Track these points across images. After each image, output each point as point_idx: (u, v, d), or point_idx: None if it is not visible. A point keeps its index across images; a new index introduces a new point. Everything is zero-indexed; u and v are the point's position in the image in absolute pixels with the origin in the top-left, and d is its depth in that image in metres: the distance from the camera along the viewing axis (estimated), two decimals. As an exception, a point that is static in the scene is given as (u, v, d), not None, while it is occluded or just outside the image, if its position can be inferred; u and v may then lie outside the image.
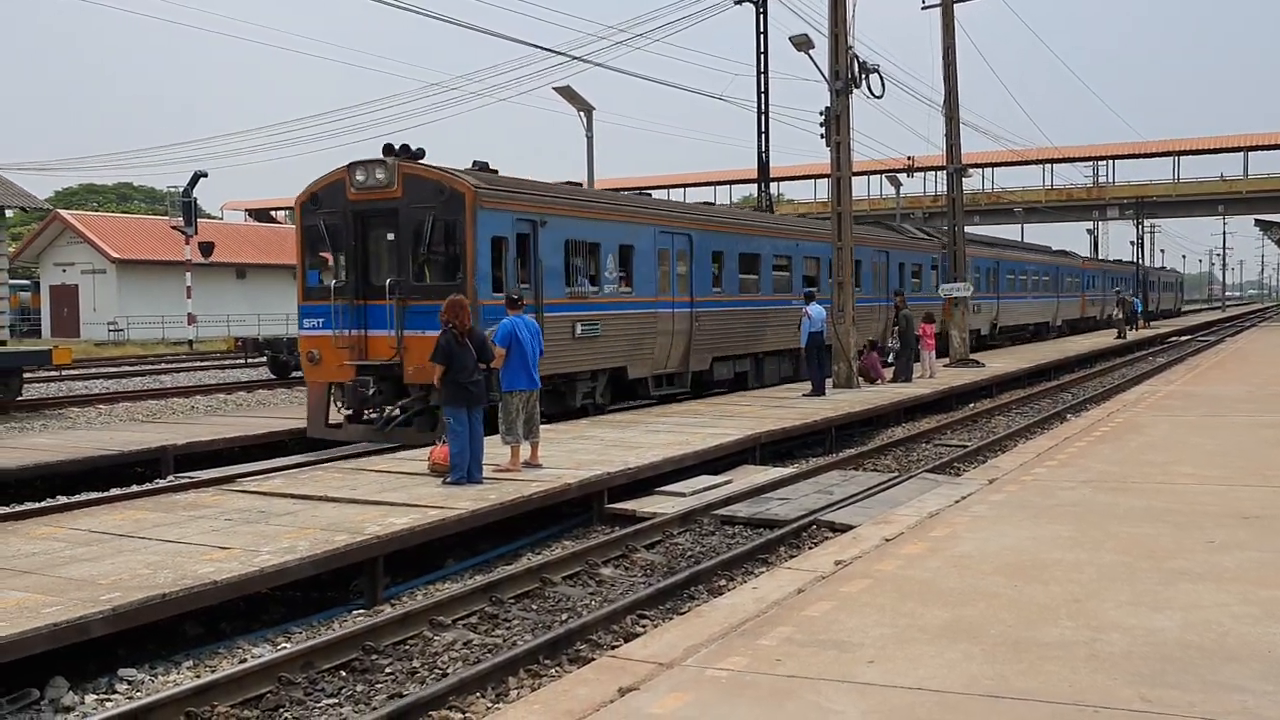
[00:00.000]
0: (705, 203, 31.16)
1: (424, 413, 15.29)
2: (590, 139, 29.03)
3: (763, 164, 34.72)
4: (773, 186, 39.19)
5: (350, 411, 16.25)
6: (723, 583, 9.36)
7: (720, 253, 21.91)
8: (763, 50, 33.46)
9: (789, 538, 10.83)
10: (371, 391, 15.67)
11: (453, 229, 15.53)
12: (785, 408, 18.92)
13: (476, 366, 11.68)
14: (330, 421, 16.32)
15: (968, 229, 35.44)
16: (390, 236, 15.91)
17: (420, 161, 15.86)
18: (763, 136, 34.03)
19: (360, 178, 15.86)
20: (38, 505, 11.91)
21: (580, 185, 21.04)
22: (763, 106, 33.68)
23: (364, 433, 16.03)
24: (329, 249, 16.35)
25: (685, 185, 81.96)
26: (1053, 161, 73.89)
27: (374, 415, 16.09)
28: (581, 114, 29.00)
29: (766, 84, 33.62)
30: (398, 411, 15.50)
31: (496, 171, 17.07)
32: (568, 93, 28.56)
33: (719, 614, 6.76)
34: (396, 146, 15.91)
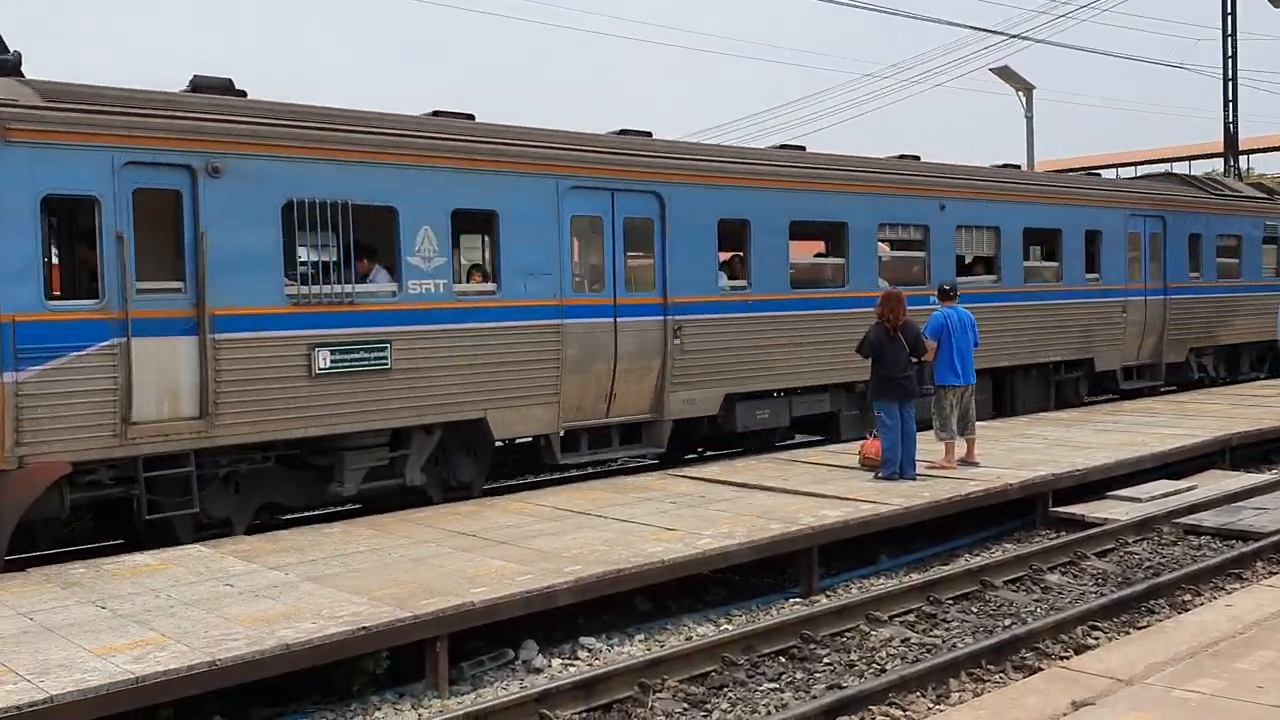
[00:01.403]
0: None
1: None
2: (1030, 120, 27.62)
3: (1230, 135, 31.30)
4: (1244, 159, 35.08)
5: None
6: (1188, 598, 8.56)
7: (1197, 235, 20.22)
8: (1230, 10, 30.16)
9: (1268, 552, 9.68)
10: None
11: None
12: (1262, 406, 16.93)
13: (908, 361, 11.47)
14: None
15: None
16: None
17: None
18: (1230, 105, 30.69)
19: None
20: (510, 483, 13.18)
21: (1017, 167, 19.07)
22: (1230, 72, 30.37)
23: None
24: None
25: (1134, 163, 75.70)
26: None
27: None
28: (1020, 94, 27.65)
29: (1234, 46, 30.28)
30: None
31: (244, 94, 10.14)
32: (1005, 73, 27.33)
33: (1186, 631, 6.18)
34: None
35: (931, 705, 6.50)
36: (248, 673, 6.28)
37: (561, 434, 11.56)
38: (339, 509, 11.38)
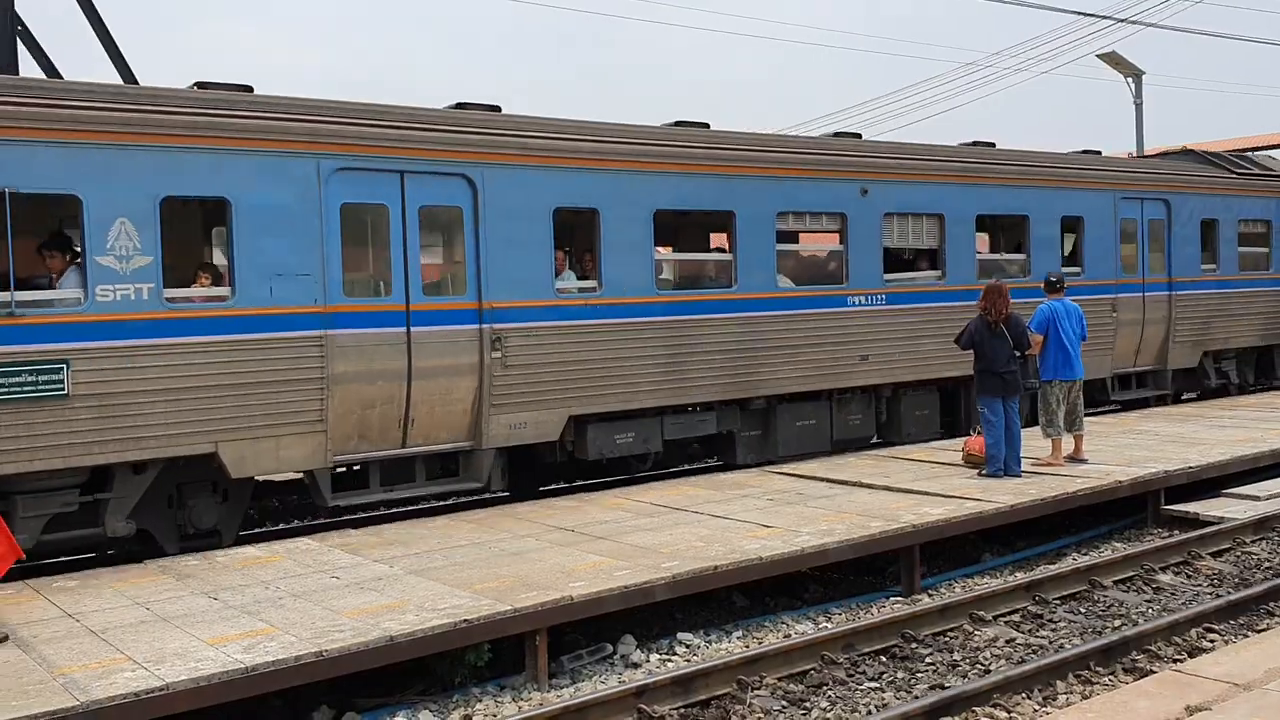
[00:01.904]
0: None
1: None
2: (1139, 106, 26.78)
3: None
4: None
5: None
6: (1310, 600, 8.21)
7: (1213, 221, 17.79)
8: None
9: (1396, 554, 9.24)
10: None
11: None
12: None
13: (1012, 355, 11.22)
14: None
15: None
16: None
17: None
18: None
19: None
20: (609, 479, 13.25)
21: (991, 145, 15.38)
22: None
23: None
24: None
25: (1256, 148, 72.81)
26: None
27: None
28: (1129, 80, 26.84)
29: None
30: None
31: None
32: (1113, 59, 26.55)
33: (1309, 636, 5.92)
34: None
35: (1038, 707, 6.35)
36: (353, 663, 6.42)
37: (333, 469, 9.68)
38: (441, 504, 11.58)
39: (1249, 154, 19.45)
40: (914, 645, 7.49)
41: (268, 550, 8.89)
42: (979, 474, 11.20)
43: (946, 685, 6.73)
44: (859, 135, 14.47)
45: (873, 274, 13.31)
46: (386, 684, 7.07)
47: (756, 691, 6.69)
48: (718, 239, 14.09)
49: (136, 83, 12.50)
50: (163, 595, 7.57)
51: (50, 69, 12.61)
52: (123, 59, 12.91)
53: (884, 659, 7.35)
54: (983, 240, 15.72)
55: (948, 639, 7.69)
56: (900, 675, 7.06)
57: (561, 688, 7.11)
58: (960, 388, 14.17)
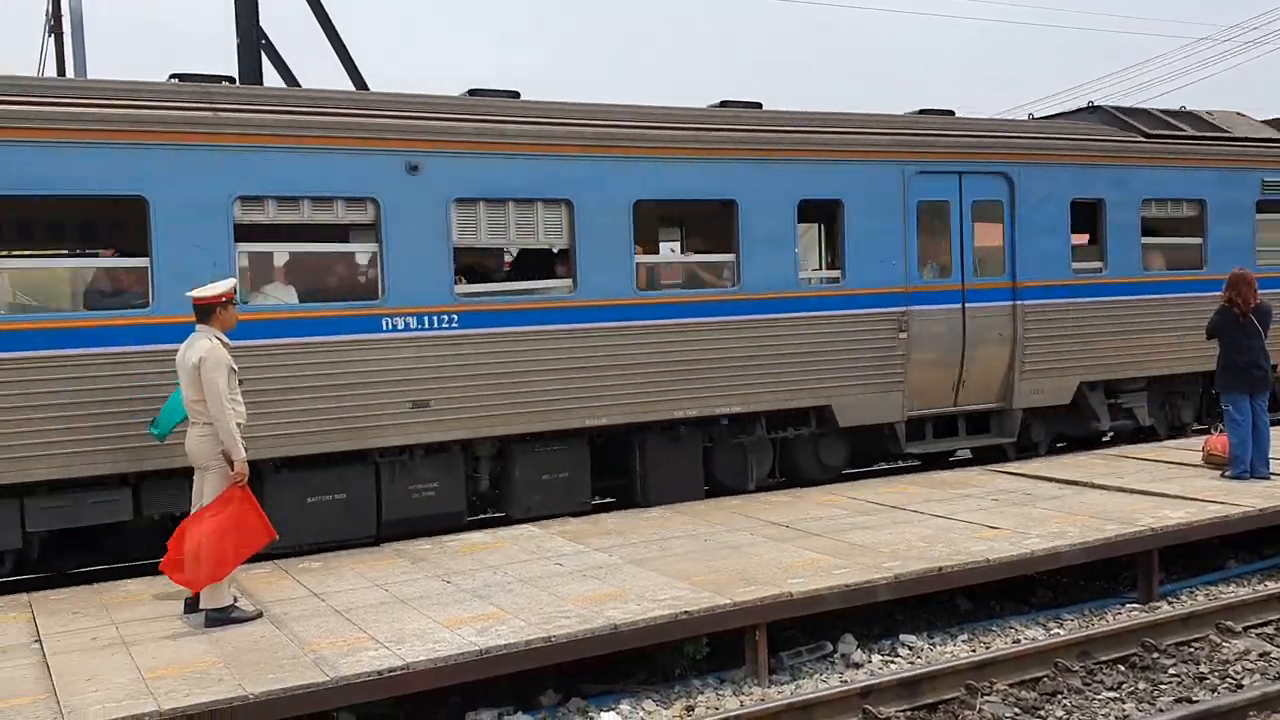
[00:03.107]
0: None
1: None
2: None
3: None
4: None
5: None
6: None
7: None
8: None
9: None
10: None
11: None
12: None
13: (1262, 348, 10.45)
14: None
15: None
16: None
17: None
18: None
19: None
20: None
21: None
22: None
23: None
24: None
25: None
26: None
27: None
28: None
29: None
30: None
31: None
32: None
33: None
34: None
35: (1301, 728, 5.90)
36: (579, 650, 6.56)
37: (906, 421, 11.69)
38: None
39: (1192, 111, 14.17)
40: (1155, 655, 7.09)
41: (493, 536, 9.20)
42: (1222, 475, 10.49)
43: (1194, 699, 6.34)
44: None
45: (434, 286, 9.36)
46: (607, 671, 7.19)
47: (986, 697, 6.46)
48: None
49: (367, 88, 13.15)
50: (399, 578, 7.94)
51: (290, 78, 13.41)
52: (355, 66, 13.60)
53: (1122, 668, 6.98)
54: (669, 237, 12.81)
55: (1192, 650, 7.24)
56: (1141, 686, 6.69)
57: (782, 684, 7.06)
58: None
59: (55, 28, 19.37)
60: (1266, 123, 15.01)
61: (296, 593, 7.66)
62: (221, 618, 6.85)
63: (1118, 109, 13.87)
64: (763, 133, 10.84)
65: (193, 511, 7.22)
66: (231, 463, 6.94)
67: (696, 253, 11.45)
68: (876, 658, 7.47)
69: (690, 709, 6.70)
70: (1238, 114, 14.78)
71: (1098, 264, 12.84)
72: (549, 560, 8.27)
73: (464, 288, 9.56)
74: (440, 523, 9.55)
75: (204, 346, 6.97)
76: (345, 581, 7.89)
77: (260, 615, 7.04)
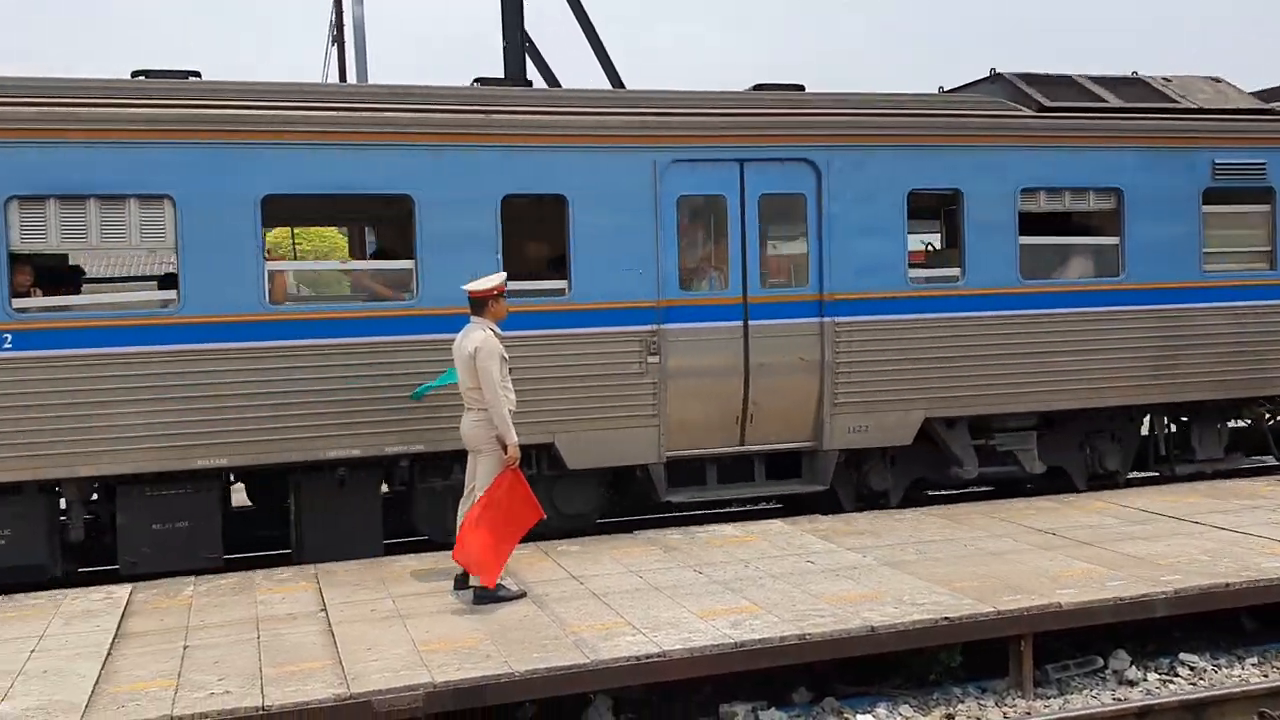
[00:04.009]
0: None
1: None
2: None
3: None
4: None
5: None
6: None
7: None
8: None
9: None
10: None
11: None
12: None
13: None
14: None
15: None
16: None
17: None
18: None
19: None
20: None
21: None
22: None
23: None
24: None
25: None
26: None
27: None
28: None
29: None
30: None
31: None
32: None
33: None
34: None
35: None
36: (834, 649, 6.47)
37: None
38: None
39: (1142, 78, 11.30)
40: None
41: (744, 530, 9.20)
42: None
43: None
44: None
45: None
46: (858, 673, 7.06)
47: (1283, 728, 5.95)
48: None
49: (623, 85, 13.42)
50: (653, 565, 8.06)
51: (552, 79, 13.86)
52: (612, 64, 13.91)
53: None
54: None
55: None
56: None
57: (1048, 697, 6.74)
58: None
59: (338, 37, 20.79)
60: (1258, 94, 11.86)
61: (556, 574, 7.91)
62: (489, 596, 7.16)
63: (1022, 76, 10.82)
64: (449, 113, 8.84)
65: (465, 490, 7.60)
66: (505, 447, 7.24)
67: (373, 258, 9.65)
68: (1153, 676, 7.00)
69: (950, 717, 6.49)
70: (1212, 80, 11.52)
71: (953, 271, 10.12)
72: (800, 557, 8.20)
73: (25, 302, 8.07)
74: (13, 576, 8.15)
75: (479, 337, 7.30)
76: (602, 566, 8.09)
77: (524, 595, 7.31)
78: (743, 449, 9.62)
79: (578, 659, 6.07)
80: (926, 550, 8.32)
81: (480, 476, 7.41)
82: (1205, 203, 10.68)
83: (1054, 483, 10.73)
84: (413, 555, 8.74)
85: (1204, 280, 10.62)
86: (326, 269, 9.19)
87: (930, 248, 12.14)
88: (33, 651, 6.47)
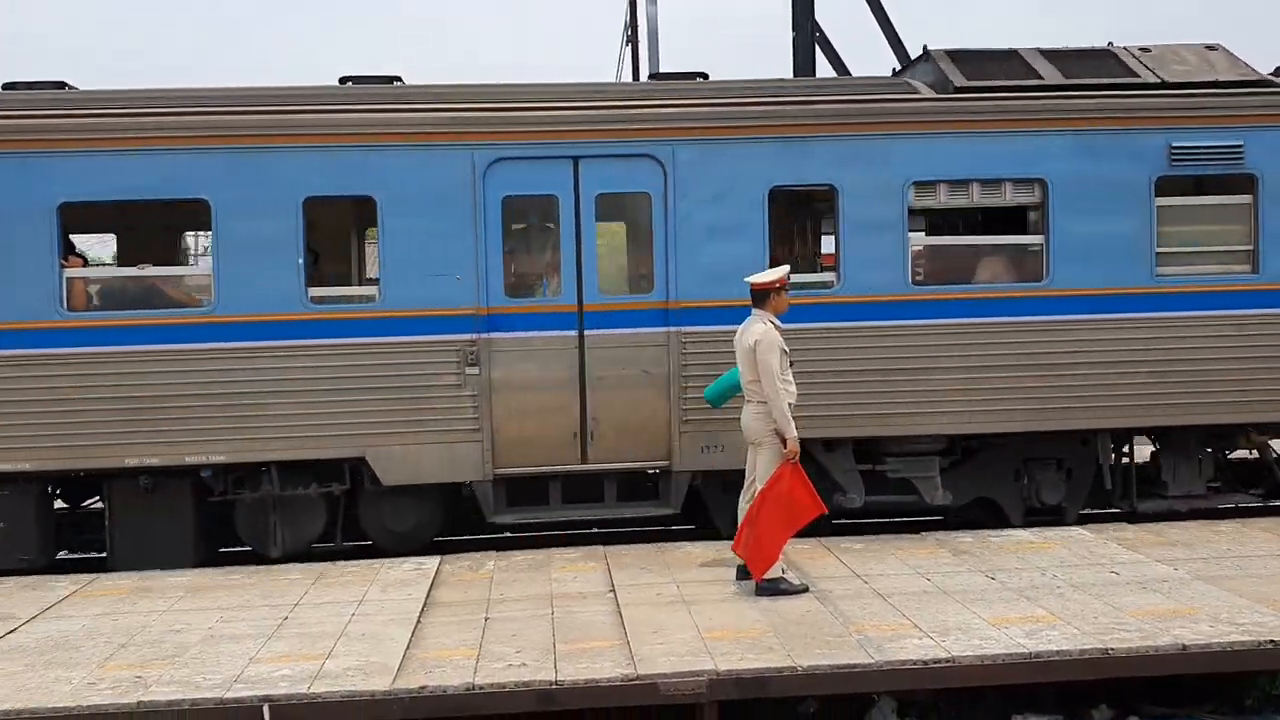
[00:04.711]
0: None
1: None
2: None
3: None
4: None
5: None
6: None
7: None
8: None
9: None
10: None
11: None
12: None
13: None
14: None
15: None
16: None
17: None
18: None
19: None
20: None
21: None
22: None
23: None
24: None
25: None
26: None
27: None
28: None
29: None
30: None
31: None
32: None
33: None
34: None
35: None
36: (1140, 667, 6.07)
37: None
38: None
39: (1110, 50, 9.65)
40: None
41: (1040, 536, 8.75)
42: None
43: None
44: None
45: None
46: (1165, 693, 6.58)
47: None
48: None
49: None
50: (941, 568, 7.81)
51: (842, 69, 13.69)
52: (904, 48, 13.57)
53: None
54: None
55: None
56: None
57: (1393, 738, 6.04)
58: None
59: (631, 37, 21.39)
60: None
61: (839, 571, 7.82)
62: (771, 588, 7.18)
63: (950, 53, 9.45)
64: (245, 115, 8.59)
65: (745, 482, 7.66)
66: (784, 440, 7.23)
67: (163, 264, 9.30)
68: None
69: (1273, 750, 5.94)
70: (1205, 49, 9.65)
71: (828, 277, 9.06)
72: (1103, 567, 7.71)
73: None
74: None
75: (759, 330, 7.32)
76: (887, 565, 7.93)
77: (806, 590, 7.27)
78: (587, 468, 8.86)
79: (862, 658, 5.98)
80: (1247, 565, 7.65)
81: (760, 469, 7.42)
82: (1160, 194, 9.01)
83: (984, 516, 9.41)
84: (695, 543, 8.88)
85: (1157, 285, 8.96)
86: (123, 275, 9.04)
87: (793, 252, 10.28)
88: (353, 615, 7.05)
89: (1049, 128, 8.91)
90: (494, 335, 8.69)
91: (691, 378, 8.68)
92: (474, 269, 8.66)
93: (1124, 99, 9.02)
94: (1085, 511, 9.59)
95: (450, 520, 9.44)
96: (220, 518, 8.98)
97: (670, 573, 7.89)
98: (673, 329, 8.76)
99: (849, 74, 13.46)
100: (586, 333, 8.77)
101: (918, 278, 9.04)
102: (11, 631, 6.90)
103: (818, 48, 13.67)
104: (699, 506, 9.20)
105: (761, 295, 7.50)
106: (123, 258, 10.12)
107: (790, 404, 7.32)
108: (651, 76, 9.49)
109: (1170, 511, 9.38)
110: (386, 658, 6.16)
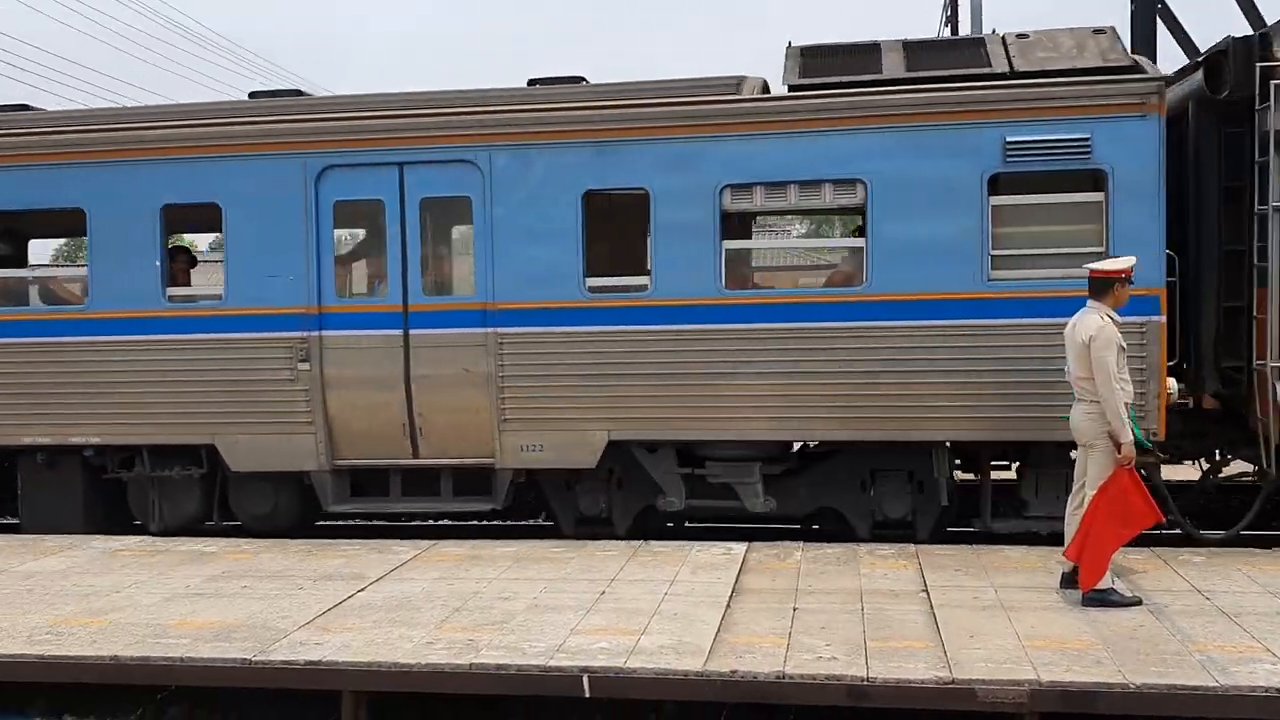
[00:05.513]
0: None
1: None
2: None
3: None
4: None
5: None
6: None
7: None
8: None
9: None
10: None
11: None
12: None
13: None
14: None
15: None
16: None
17: None
18: None
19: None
20: None
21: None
22: None
23: None
24: None
25: None
26: None
27: None
28: None
29: None
30: None
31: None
32: None
33: None
34: None
35: None
36: None
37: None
38: None
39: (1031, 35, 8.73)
40: None
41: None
42: None
43: None
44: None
45: None
46: None
47: None
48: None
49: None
50: (1298, 589, 7.08)
51: (1189, 44, 12.63)
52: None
53: None
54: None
55: None
56: None
57: None
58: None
59: (951, 18, 20.68)
60: None
61: (1176, 585, 7.24)
62: (1099, 599, 6.73)
63: (806, 49, 9.06)
64: (113, 132, 9.41)
65: (1074, 487, 7.22)
66: (1119, 445, 6.75)
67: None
68: None
69: None
70: (1094, 34, 8.64)
71: (641, 280, 8.83)
72: None
73: None
74: None
75: (1094, 323, 6.86)
76: (1233, 582, 7.26)
77: (1139, 602, 6.78)
78: (419, 462, 9.25)
79: (1204, 680, 5.50)
80: None
81: (1091, 473, 6.95)
82: (994, 192, 8.28)
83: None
84: (1017, 547, 8.49)
85: (989, 291, 8.23)
86: (14, 276, 10.43)
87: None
88: (665, 594, 7.24)
89: (870, 125, 8.48)
90: (325, 333, 9.23)
91: (510, 378, 8.95)
92: (306, 270, 9.19)
93: (953, 92, 8.39)
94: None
95: (312, 509, 9.87)
96: (116, 495, 10.05)
97: (988, 576, 7.58)
98: (491, 330, 8.97)
99: (1196, 51, 12.41)
100: (411, 332, 9.13)
101: (738, 281, 8.88)
102: (361, 590, 7.57)
103: (1159, 18, 12.71)
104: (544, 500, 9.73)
105: (1102, 285, 7.02)
106: (20, 261, 11.57)
107: (1127, 403, 6.83)
108: (530, 83, 9.67)
109: (1028, 533, 8.84)
110: (698, 639, 6.28)
